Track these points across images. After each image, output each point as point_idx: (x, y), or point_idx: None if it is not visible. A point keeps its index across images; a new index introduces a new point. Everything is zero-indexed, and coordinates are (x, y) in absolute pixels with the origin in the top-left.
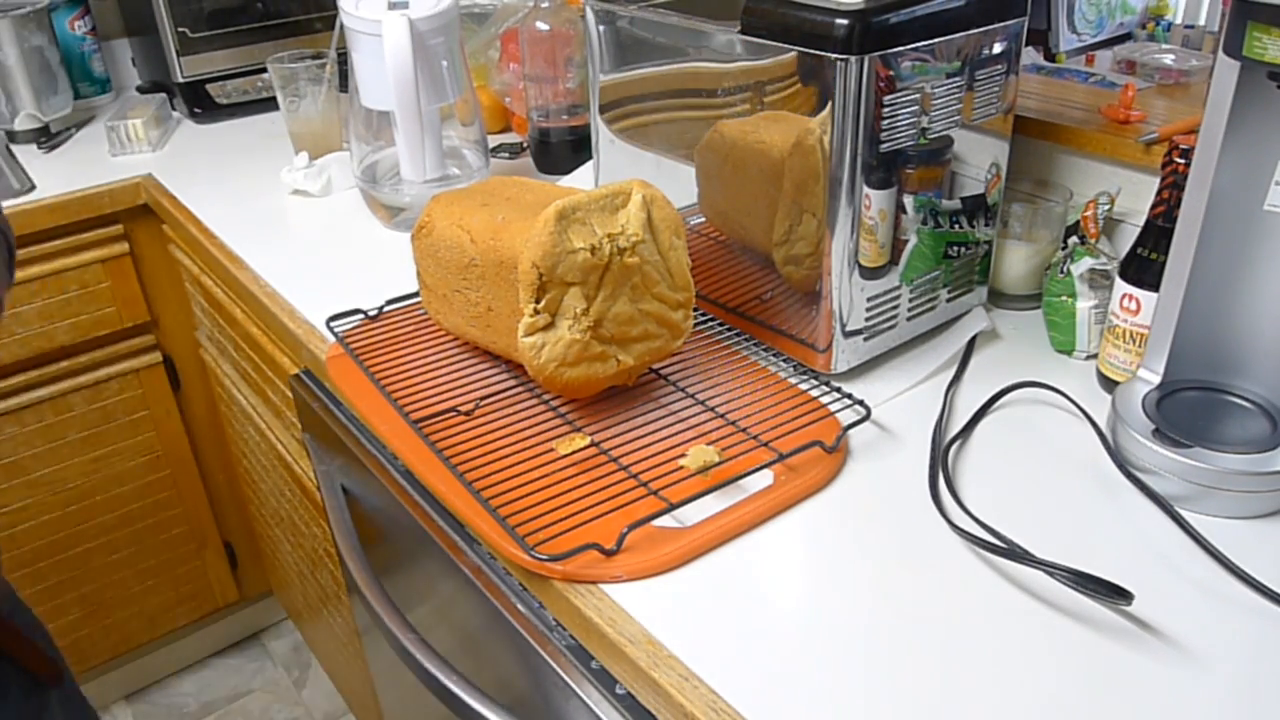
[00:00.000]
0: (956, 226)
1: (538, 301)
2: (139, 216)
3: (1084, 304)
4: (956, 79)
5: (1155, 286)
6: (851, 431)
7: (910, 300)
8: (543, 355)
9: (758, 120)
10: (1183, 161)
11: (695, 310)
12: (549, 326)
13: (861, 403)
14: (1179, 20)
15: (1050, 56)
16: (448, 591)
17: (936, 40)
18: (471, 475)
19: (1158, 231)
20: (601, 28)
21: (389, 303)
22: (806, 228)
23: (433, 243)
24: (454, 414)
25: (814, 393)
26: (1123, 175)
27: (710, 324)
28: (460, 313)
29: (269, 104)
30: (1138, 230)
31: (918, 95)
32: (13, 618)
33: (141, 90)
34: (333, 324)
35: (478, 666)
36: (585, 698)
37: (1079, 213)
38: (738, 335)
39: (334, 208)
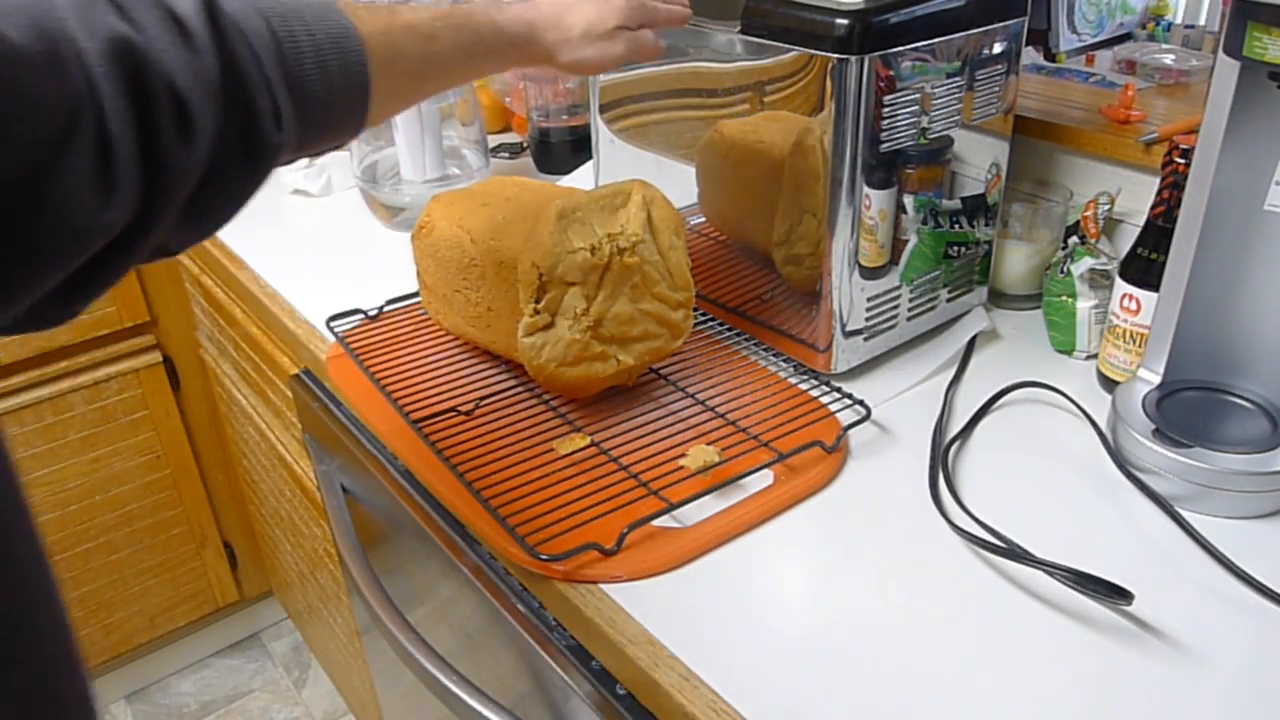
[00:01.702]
0: (956, 226)
1: (538, 301)
2: None
3: (1084, 304)
4: (956, 79)
5: (1155, 286)
6: (851, 431)
7: (910, 300)
8: (543, 355)
9: (758, 120)
10: (1183, 161)
11: (695, 310)
12: (549, 326)
13: (861, 403)
14: (1179, 20)
15: (1050, 56)
16: (448, 591)
17: (936, 40)
18: (471, 475)
19: (1158, 231)
20: None
21: (389, 303)
22: (806, 228)
23: (433, 243)
24: (454, 414)
25: (814, 393)
26: (1123, 175)
27: (710, 324)
28: (460, 313)
29: None
30: (1138, 230)
31: (918, 95)
32: None
33: None
34: (333, 324)
35: (478, 666)
36: (585, 698)
37: (1079, 213)
38: (738, 335)
39: (334, 208)
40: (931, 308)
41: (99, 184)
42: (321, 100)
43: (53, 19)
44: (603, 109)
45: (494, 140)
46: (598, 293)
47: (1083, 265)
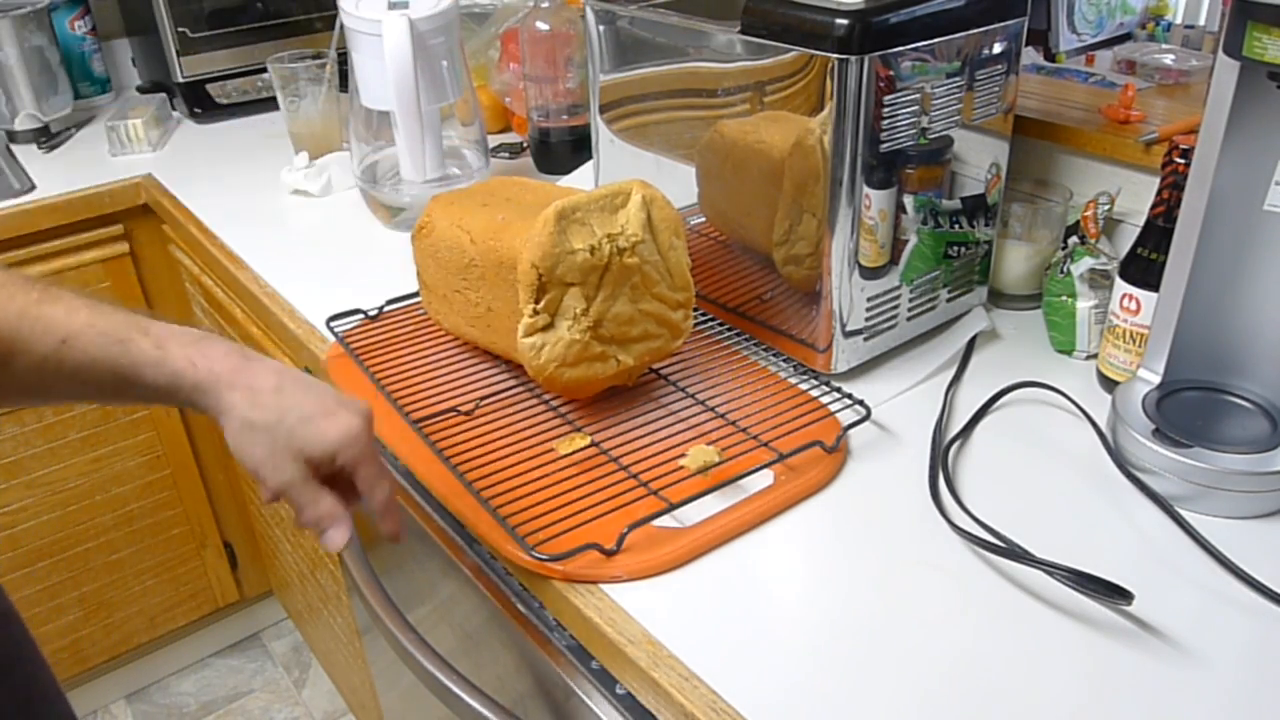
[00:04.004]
0: (956, 226)
1: (537, 302)
2: (139, 216)
3: (1084, 304)
4: (956, 79)
5: (1155, 286)
6: (851, 431)
7: (910, 300)
8: (542, 356)
9: (758, 120)
10: (1183, 161)
11: (695, 310)
12: (548, 327)
13: (861, 403)
14: (1179, 20)
15: (1050, 56)
16: (448, 591)
17: (936, 40)
18: (471, 475)
19: (1158, 231)
20: (601, 28)
21: (389, 303)
22: (806, 228)
23: (433, 243)
24: (454, 414)
25: (814, 393)
26: (1123, 175)
27: (710, 324)
28: (460, 313)
29: (269, 104)
30: (1138, 230)
31: (918, 95)
32: None
33: (141, 90)
34: (333, 324)
35: (478, 666)
36: (585, 698)
37: (1079, 213)
38: (738, 335)
39: (334, 208)
40: (931, 308)
41: None
42: None
43: None
44: (603, 109)
45: (494, 140)
46: (597, 293)
47: (1083, 265)
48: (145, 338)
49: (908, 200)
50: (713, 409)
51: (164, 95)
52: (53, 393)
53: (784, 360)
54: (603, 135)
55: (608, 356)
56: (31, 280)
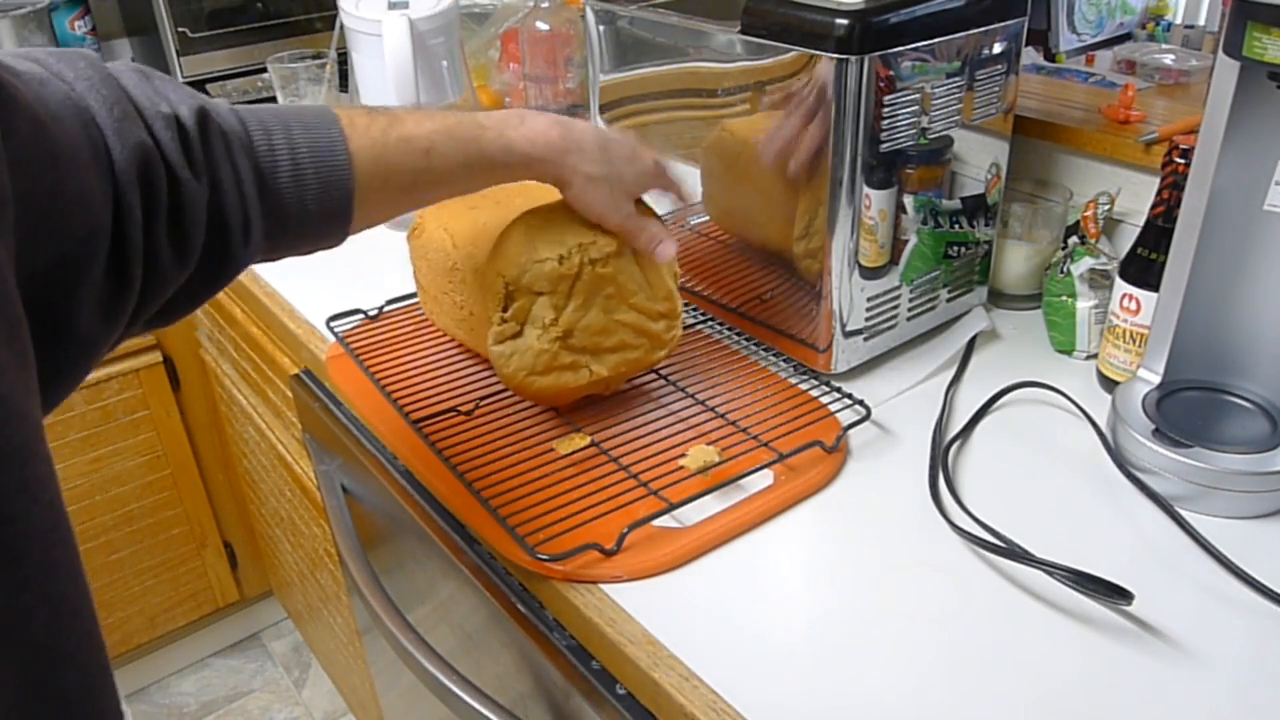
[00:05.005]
0: (956, 226)
1: (505, 310)
2: None
3: (1084, 304)
4: (956, 79)
5: (1155, 286)
6: (851, 431)
7: (910, 300)
8: (511, 364)
9: (768, 119)
10: (1183, 161)
11: (695, 310)
12: (517, 335)
13: (861, 403)
14: (1179, 20)
15: (1050, 56)
16: (448, 591)
17: (936, 40)
18: (471, 475)
19: (1158, 231)
20: (601, 28)
21: (389, 303)
22: (822, 222)
23: (423, 244)
24: (454, 414)
25: (814, 393)
26: (1123, 175)
27: (710, 324)
28: (449, 314)
29: (269, 104)
30: (1138, 230)
31: (918, 95)
32: None
33: None
34: (333, 324)
35: (478, 666)
36: (585, 698)
37: (1079, 213)
38: (738, 335)
39: None
40: (931, 308)
41: (110, 291)
42: (295, 217)
43: (95, 125)
44: (603, 109)
45: None
46: (567, 302)
47: (1083, 265)
48: (487, 131)
49: (908, 200)
50: (713, 409)
51: None
52: (420, 200)
53: (784, 360)
54: None
55: (579, 366)
56: (369, 108)
